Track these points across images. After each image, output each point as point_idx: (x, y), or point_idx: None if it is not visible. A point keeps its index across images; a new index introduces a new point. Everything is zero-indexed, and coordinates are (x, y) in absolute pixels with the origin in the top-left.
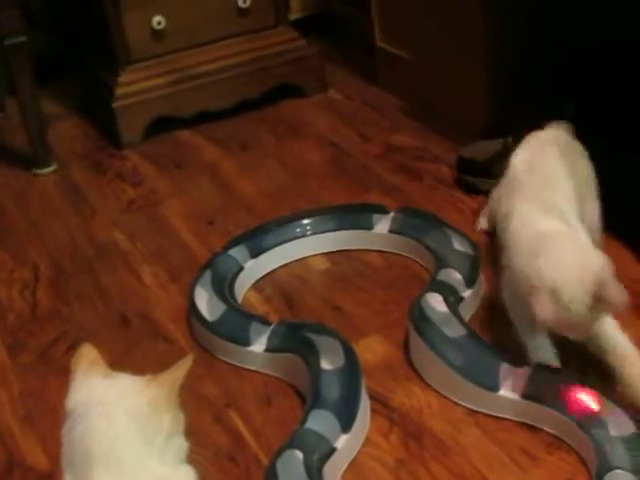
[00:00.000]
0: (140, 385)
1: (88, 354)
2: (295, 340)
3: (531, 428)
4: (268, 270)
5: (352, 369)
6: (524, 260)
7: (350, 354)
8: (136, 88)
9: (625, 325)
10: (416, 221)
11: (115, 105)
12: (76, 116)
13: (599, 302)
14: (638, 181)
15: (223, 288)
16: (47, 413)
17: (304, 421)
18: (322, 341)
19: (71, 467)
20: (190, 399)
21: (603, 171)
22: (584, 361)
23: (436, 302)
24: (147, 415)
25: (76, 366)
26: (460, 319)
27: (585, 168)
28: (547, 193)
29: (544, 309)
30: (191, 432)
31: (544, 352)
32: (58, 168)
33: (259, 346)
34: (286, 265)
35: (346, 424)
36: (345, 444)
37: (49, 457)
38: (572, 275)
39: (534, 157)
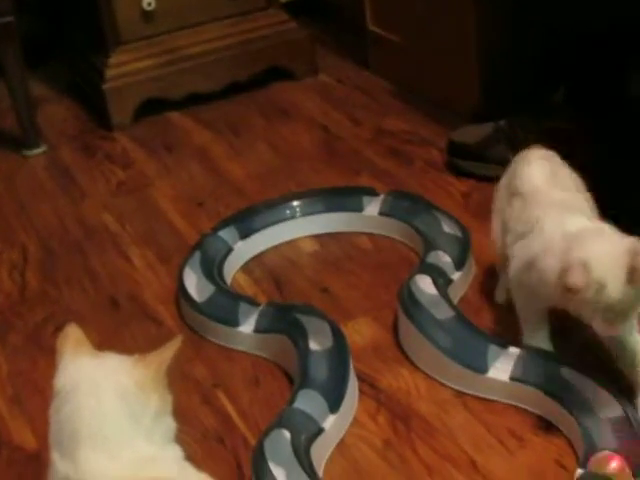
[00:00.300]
0: (128, 365)
1: (73, 334)
2: (284, 321)
3: (518, 410)
4: (257, 252)
5: (340, 350)
6: (557, 256)
7: (338, 335)
8: (126, 70)
9: None
10: (406, 204)
11: (105, 87)
12: (65, 98)
13: (634, 276)
14: (625, 166)
15: (212, 269)
16: (35, 393)
17: (292, 401)
18: (310, 322)
19: (59, 446)
20: (178, 380)
21: (590, 154)
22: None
23: (425, 284)
24: (134, 395)
25: (62, 346)
26: (449, 301)
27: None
28: (571, 197)
29: (577, 276)
30: (179, 413)
31: (543, 344)
32: (47, 150)
33: (247, 327)
34: (275, 247)
35: (334, 405)
36: (333, 425)
37: (37, 437)
38: (605, 250)
39: (550, 169)
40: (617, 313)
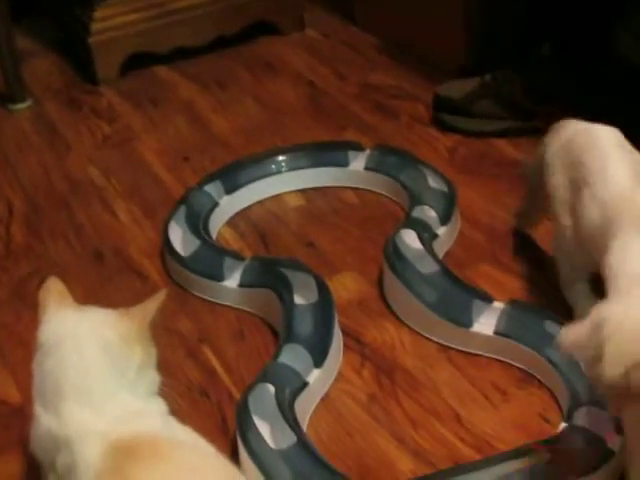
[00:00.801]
0: (112, 318)
1: (55, 287)
2: (269, 275)
3: (503, 364)
4: (243, 206)
5: (325, 305)
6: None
7: (323, 290)
8: (112, 23)
9: None
10: (392, 158)
11: (90, 41)
12: (51, 52)
13: None
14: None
15: (197, 224)
16: (19, 347)
17: (277, 356)
18: (296, 276)
19: (42, 399)
20: (163, 334)
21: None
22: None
23: (410, 239)
24: (118, 348)
25: (45, 299)
26: (434, 256)
27: None
28: None
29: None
30: (164, 367)
31: (585, 300)
32: (33, 104)
33: (233, 281)
34: (261, 202)
35: (318, 359)
36: (317, 379)
37: (21, 391)
38: None
39: (631, 163)
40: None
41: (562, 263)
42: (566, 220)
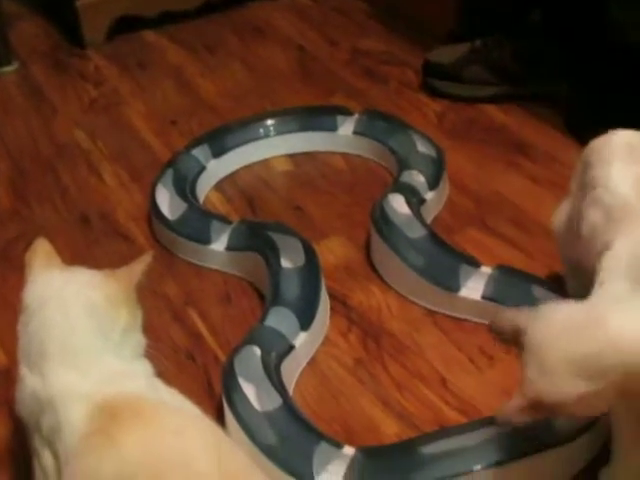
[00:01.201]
0: (97, 280)
1: (42, 248)
2: (256, 239)
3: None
4: (230, 170)
5: (312, 268)
6: None
7: (310, 253)
8: None
9: None
10: (380, 123)
11: (78, 3)
12: (38, 15)
13: None
14: (599, 85)
15: (184, 187)
16: (5, 310)
17: (263, 319)
18: (283, 240)
19: (27, 360)
20: (150, 297)
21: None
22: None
23: (398, 203)
24: (103, 309)
25: (31, 260)
26: (422, 221)
27: None
28: None
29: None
30: (150, 329)
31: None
32: (19, 67)
33: (219, 245)
34: (249, 166)
35: (305, 322)
36: (304, 342)
37: (7, 353)
38: None
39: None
40: None
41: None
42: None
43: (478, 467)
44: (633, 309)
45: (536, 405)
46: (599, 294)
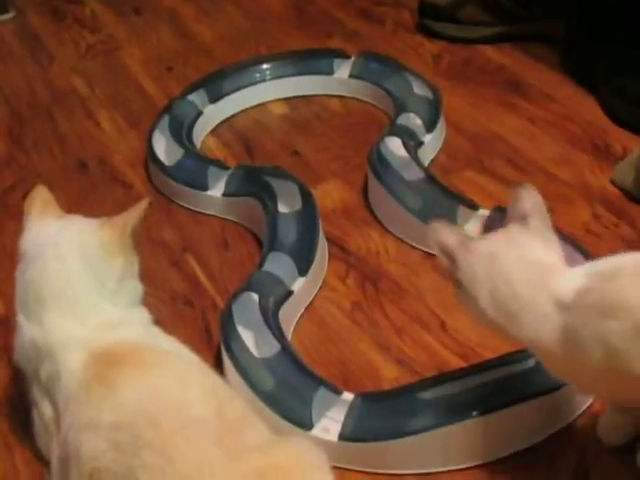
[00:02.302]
0: (93, 227)
1: (41, 196)
2: (253, 184)
3: None
4: (227, 115)
5: (309, 213)
6: None
7: (307, 197)
8: None
9: None
10: (376, 66)
11: None
12: None
13: None
14: (595, 23)
15: (181, 133)
16: (4, 259)
17: (261, 264)
18: (280, 185)
19: (24, 308)
20: (147, 244)
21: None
22: None
23: (395, 146)
24: (99, 257)
25: (29, 208)
26: (419, 163)
27: None
28: None
29: None
30: (148, 276)
31: None
32: (16, 15)
33: (217, 190)
34: (245, 110)
35: (303, 268)
36: (302, 287)
37: (5, 302)
38: None
39: None
40: None
41: None
42: None
43: (477, 412)
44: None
45: None
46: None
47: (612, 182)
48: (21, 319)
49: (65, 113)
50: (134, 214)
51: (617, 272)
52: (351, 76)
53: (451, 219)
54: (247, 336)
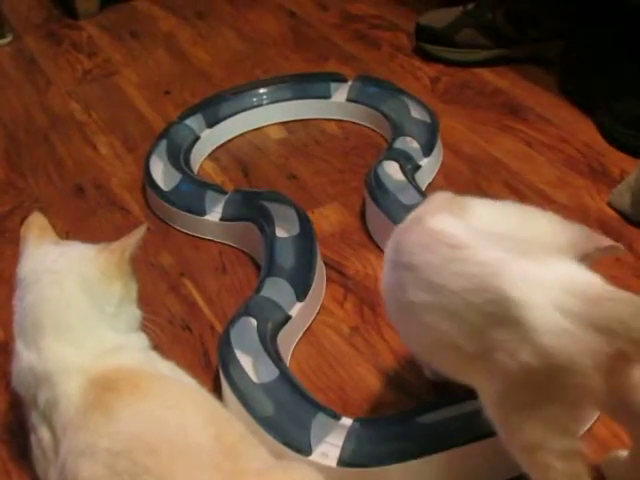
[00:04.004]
0: (91, 253)
1: (37, 222)
2: (250, 208)
3: None
4: (224, 139)
5: (307, 237)
6: None
7: (305, 222)
8: None
9: None
10: (374, 89)
11: None
12: None
13: None
14: (593, 47)
15: (179, 158)
16: (1, 284)
17: (259, 289)
18: (277, 209)
19: (23, 335)
20: (145, 269)
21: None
22: None
23: (392, 170)
24: (98, 283)
25: (26, 234)
26: (416, 187)
27: None
28: None
29: None
30: (146, 301)
31: None
32: (13, 39)
33: (214, 215)
34: (243, 135)
35: (301, 292)
36: (300, 312)
37: (4, 328)
38: None
39: None
40: None
41: None
42: None
43: (476, 437)
44: None
45: None
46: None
47: (609, 204)
48: (19, 345)
49: (62, 138)
50: (132, 240)
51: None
52: (348, 100)
53: None
54: (245, 361)
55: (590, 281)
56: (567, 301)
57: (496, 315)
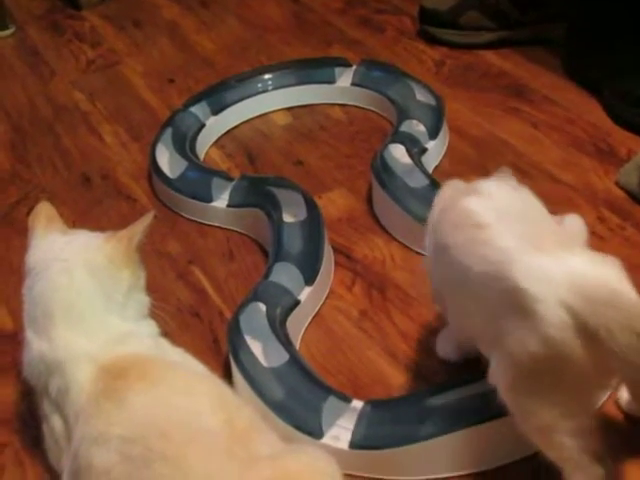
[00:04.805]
0: (99, 241)
1: (45, 211)
2: (257, 194)
3: None
4: (230, 126)
5: (314, 222)
6: None
7: (312, 207)
8: None
9: None
10: (378, 73)
11: None
12: None
13: None
14: (597, 27)
15: (184, 145)
16: (11, 275)
17: (267, 274)
18: (284, 194)
19: (33, 324)
20: (153, 257)
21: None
22: None
23: (399, 153)
24: (106, 271)
25: (34, 223)
26: (423, 170)
27: None
28: None
29: None
30: (154, 289)
31: None
32: (16, 31)
33: (221, 202)
34: (248, 121)
35: (309, 277)
36: (309, 297)
37: (14, 318)
38: None
39: None
40: None
41: None
42: None
43: (486, 417)
44: None
45: None
46: None
47: (617, 184)
48: (29, 334)
49: (67, 128)
50: (139, 227)
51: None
52: (353, 84)
53: None
54: (255, 346)
55: (599, 279)
56: (571, 299)
57: (510, 303)
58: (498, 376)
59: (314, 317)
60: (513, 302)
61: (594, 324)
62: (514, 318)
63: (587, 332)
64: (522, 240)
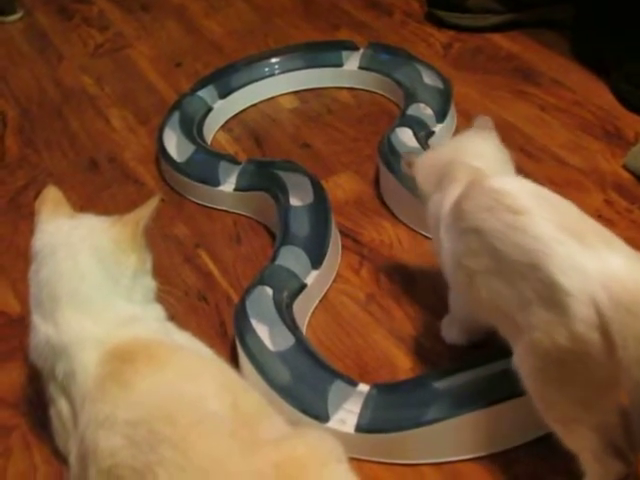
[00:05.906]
0: (105, 225)
1: (51, 195)
2: (264, 178)
3: None
4: (237, 110)
5: (321, 205)
6: None
7: (319, 190)
8: None
9: None
10: (386, 57)
11: None
12: None
13: None
14: (605, 10)
15: (192, 129)
16: (18, 258)
17: (274, 258)
18: (291, 178)
19: (39, 308)
20: (160, 240)
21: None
22: None
23: (406, 137)
24: (112, 254)
25: (40, 208)
26: None
27: None
28: None
29: None
30: (161, 273)
31: None
32: (24, 15)
33: (228, 185)
34: (255, 105)
35: (316, 260)
36: (315, 280)
37: (21, 302)
38: None
39: None
40: None
41: None
42: None
43: (492, 401)
44: None
45: None
46: None
47: (624, 167)
48: (36, 318)
49: (75, 112)
50: (146, 211)
51: None
52: (360, 67)
53: None
54: (262, 330)
55: (633, 283)
56: (602, 299)
57: (543, 294)
58: (522, 362)
59: (321, 301)
60: (547, 293)
61: (614, 328)
62: (545, 310)
63: (608, 335)
64: (562, 230)
